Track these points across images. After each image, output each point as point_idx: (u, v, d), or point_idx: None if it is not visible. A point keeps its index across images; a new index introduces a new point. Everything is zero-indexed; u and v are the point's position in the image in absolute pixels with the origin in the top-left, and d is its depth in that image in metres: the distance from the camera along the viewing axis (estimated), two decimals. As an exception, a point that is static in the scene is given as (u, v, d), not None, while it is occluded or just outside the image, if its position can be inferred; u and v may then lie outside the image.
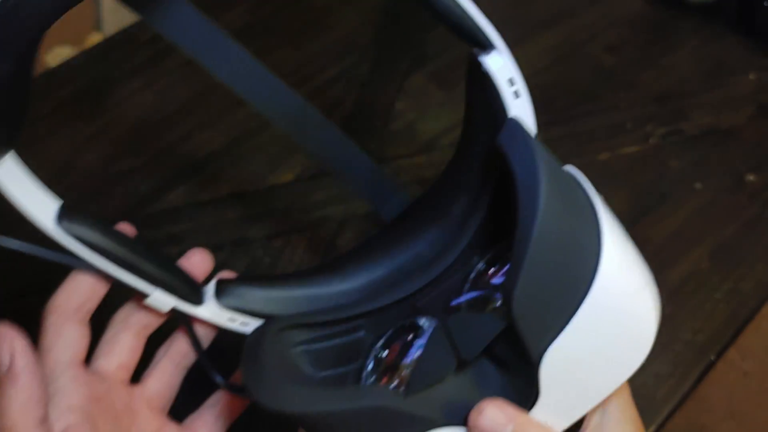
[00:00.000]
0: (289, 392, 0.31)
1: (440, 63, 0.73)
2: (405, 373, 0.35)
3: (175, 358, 0.38)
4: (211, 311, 0.35)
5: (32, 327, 0.57)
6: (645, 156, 0.66)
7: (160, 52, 0.73)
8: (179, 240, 0.60)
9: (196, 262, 0.37)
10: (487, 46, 0.35)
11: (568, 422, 0.34)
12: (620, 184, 0.64)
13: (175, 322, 0.37)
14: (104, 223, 0.33)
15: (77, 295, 0.35)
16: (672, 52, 0.74)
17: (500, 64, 0.35)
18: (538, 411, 0.33)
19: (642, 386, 0.53)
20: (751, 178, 0.65)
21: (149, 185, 0.64)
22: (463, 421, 0.32)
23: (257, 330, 0.35)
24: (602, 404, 0.35)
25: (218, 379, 0.36)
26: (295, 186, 0.64)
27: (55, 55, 0.74)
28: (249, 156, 0.66)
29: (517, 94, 0.36)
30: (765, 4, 0.72)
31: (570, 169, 0.34)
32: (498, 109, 0.35)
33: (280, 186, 0.63)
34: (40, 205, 0.33)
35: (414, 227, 0.39)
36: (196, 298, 0.35)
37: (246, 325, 0.36)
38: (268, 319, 0.36)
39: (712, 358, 0.56)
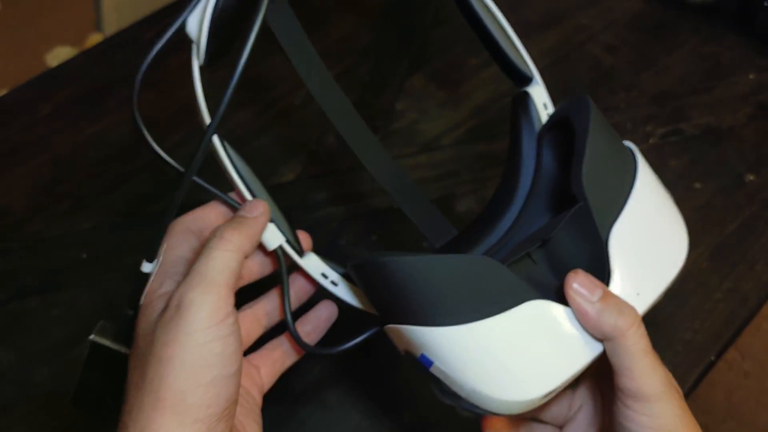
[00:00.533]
0: (402, 256, 0.35)
1: (440, 63, 0.73)
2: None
3: (258, 314, 0.42)
4: (310, 262, 0.41)
5: (32, 327, 0.57)
6: (645, 156, 0.65)
7: (161, 53, 0.73)
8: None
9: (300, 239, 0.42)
10: (531, 79, 0.45)
11: (644, 304, 0.37)
12: (620, 184, 0.64)
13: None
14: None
15: (202, 222, 0.40)
16: (671, 52, 0.74)
17: (538, 92, 0.46)
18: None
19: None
20: (750, 177, 0.65)
21: (150, 186, 0.64)
22: (555, 300, 0.36)
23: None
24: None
25: (298, 336, 0.40)
26: (296, 186, 0.64)
27: (55, 55, 0.74)
28: (250, 156, 0.65)
29: (548, 116, 0.45)
30: (765, 4, 0.72)
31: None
32: (537, 129, 0.45)
33: (281, 186, 0.64)
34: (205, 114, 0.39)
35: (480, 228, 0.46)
36: (300, 249, 0.41)
37: (336, 285, 0.42)
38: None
39: (712, 358, 0.56)
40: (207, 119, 0.39)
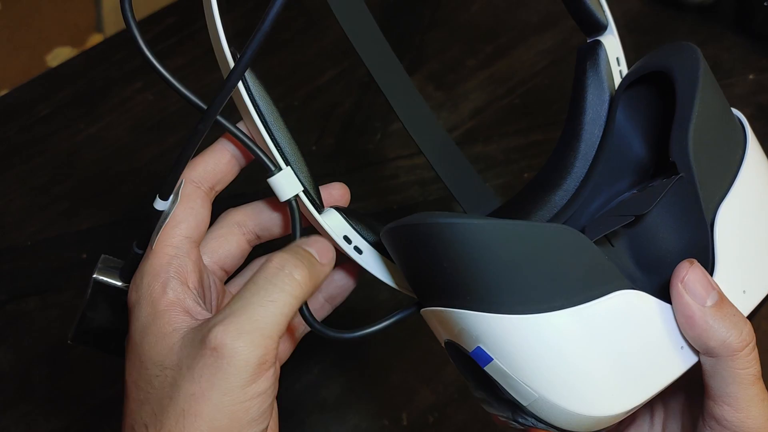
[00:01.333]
0: (460, 218, 0.28)
1: (438, 64, 0.73)
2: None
3: (293, 326, 0.36)
4: (331, 221, 0.33)
5: (32, 327, 0.57)
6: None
7: (161, 53, 0.73)
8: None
9: (336, 193, 0.36)
10: (605, 27, 0.38)
11: (749, 305, 0.31)
12: (618, 185, 0.64)
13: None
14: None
15: (215, 173, 0.34)
16: (670, 53, 0.74)
17: (613, 44, 0.38)
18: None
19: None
20: (749, 178, 0.65)
21: (149, 186, 0.64)
22: (653, 291, 0.29)
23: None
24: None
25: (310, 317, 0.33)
26: (295, 186, 0.64)
27: (55, 55, 0.74)
28: (248, 157, 0.66)
29: (621, 74, 0.38)
30: (765, 4, 0.72)
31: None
32: (607, 85, 0.38)
33: (280, 186, 0.64)
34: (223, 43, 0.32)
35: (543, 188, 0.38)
36: (320, 203, 0.33)
37: (360, 252, 0.34)
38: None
39: (710, 358, 0.56)
40: (229, 60, 0.32)
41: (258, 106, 0.32)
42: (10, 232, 0.61)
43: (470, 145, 0.67)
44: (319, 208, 0.33)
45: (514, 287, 0.27)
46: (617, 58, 0.38)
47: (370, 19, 0.41)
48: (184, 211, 0.32)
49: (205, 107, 0.32)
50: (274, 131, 0.33)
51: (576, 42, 0.76)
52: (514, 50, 0.73)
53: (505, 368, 0.28)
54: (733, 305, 0.29)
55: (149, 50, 0.32)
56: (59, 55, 0.74)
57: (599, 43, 0.38)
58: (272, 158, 0.33)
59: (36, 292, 0.58)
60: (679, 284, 0.28)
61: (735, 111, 0.34)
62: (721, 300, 0.29)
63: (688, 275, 0.28)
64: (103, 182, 0.64)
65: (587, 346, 0.28)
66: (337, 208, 0.34)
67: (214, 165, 0.34)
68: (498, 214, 0.38)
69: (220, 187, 0.35)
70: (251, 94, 0.32)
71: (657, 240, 0.32)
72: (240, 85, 0.32)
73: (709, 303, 0.28)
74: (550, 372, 0.28)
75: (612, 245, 0.32)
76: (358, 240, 0.33)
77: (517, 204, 0.38)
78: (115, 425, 0.36)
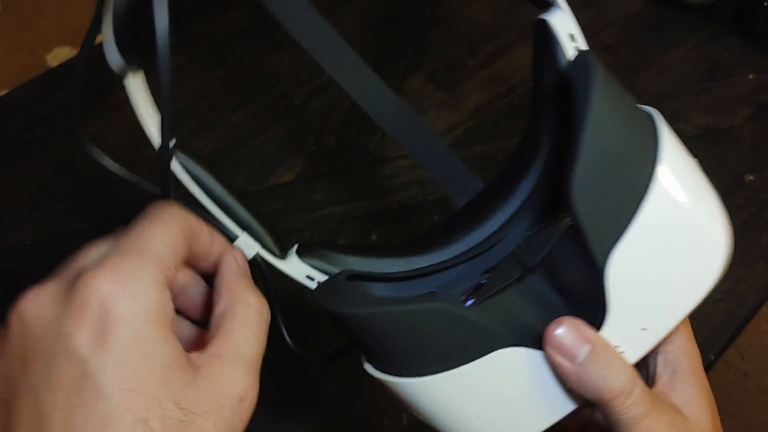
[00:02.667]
0: (357, 297, 0.33)
1: (439, 64, 0.73)
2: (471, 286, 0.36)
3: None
4: (292, 266, 0.36)
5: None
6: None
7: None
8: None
9: None
10: (550, 3, 0.35)
11: (640, 352, 0.31)
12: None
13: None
14: (206, 163, 0.34)
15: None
16: (670, 53, 0.74)
17: (561, 20, 0.34)
18: (607, 333, 0.31)
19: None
20: (749, 178, 0.65)
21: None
22: (533, 343, 0.31)
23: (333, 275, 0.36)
24: (671, 363, 0.34)
25: (289, 341, 0.37)
26: (295, 186, 0.64)
27: (55, 55, 0.74)
28: (249, 156, 0.66)
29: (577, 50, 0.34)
30: (765, 4, 0.72)
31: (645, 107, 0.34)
32: (562, 64, 0.34)
33: (280, 186, 0.64)
34: (153, 128, 0.34)
35: (484, 206, 0.39)
36: (280, 251, 0.36)
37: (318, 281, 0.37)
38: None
39: (711, 358, 0.56)
40: (156, 139, 0.34)
41: (203, 185, 0.34)
42: (10, 232, 0.61)
43: (470, 145, 0.67)
44: (279, 256, 0.36)
45: (407, 356, 0.32)
46: (570, 35, 0.34)
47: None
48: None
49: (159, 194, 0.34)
50: (223, 202, 0.34)
51: (576, 42, 0.76)
52: (514, 50, 0.73)
53: (415, 413, 0.34)
54: (610, 353, 0.30)
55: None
56: (59, 55, 0.74)
57: (544, 21, 0.35)
58: (227, 229, 0.34)
59: (36, 292, 0.58)
60: (548, 347, 0.30)
61: (648, 110, 0.33)
62: (594, 352, 0.30)
63: (556, 335, 0.30)
64: (102, 182, 0.64)
65: (470, 398, 0.32)
66: (299, 251, 0.36)
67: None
68: (471, 208, 0.40)
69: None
70: (193, 175, 0.34)
71: (566, 276, 0.33)
72: (181, 173, 0.34)
73: (580, 359, 0.30)
74: (440, 421, 0.33)
75: (532, 272, 0.34)
76: (319, 276, 0.36)
77: (487, 199, 0.39)
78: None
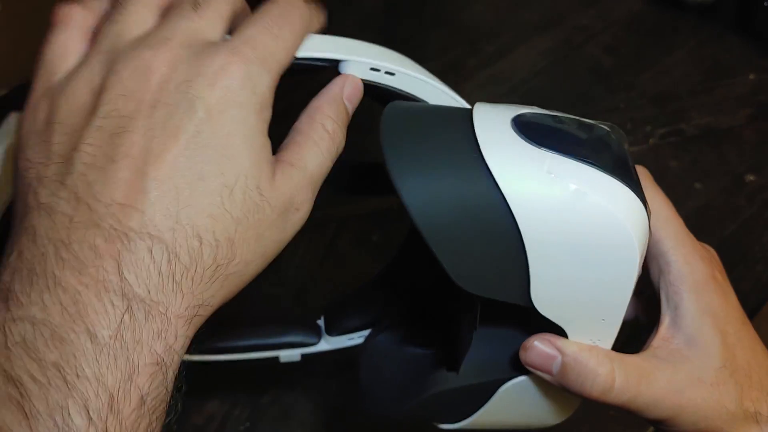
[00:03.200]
0: (390, 403, 0.40)
1: (439, 64, 0.73)
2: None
3: None
4: (331, 343, 0.43)
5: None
6: (645, 156, 0.66)
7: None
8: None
9: None
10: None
11: (611, 338, 0.33)
12: (619, 185, 0.64)
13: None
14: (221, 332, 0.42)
15: None
16: (671, 53, 0.74)
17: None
18: (575, 338, 0.32)
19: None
20: (750, 178, 0.65)
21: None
22: (517, 370, 0.35)
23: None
24: (673, 297, 0.34)
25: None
26: (295, 186, 0.64)
27: (56, 55, 0.74)
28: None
29: (390, 73, 0.35)
30: (765, 4, 0.72)
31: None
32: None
33: (280, 186, 0.63)
34: None
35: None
36: (315, 339, 0.43)
37: (362, 337, 0.43)
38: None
39: (711, 358, 0.56)
40: None
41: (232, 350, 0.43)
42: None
43: (471, 145, 0.67)
44: (317, 341, 0.44)
45: (430, 415, 0.38)
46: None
47: None
48: None
49: None
50: (258, 346, 0.43)
51: (577, 42, 0.76)
52: (515, 50, 0.73)
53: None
54: (582, 359, 0.32)
55: None
56: (59, 55, 0.74)
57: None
58: None
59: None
60: (528, 368, 0.33)
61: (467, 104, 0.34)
62: (564, 366, 0.32)
63: (528, 357, 0.33)
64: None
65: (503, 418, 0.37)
66: (327, 326, 0.44)
67: None
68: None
69: None
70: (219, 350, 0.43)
71: (522, 332, 0.34)
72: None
73: (555, 371, 0.32)
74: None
75: (476, 328, 0.35)
76: (355, 336, 0.44)
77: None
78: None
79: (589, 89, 0.71)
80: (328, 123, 0.32)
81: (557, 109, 0.33)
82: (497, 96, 0.70)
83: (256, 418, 0.51)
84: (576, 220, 0.28)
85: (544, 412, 0.36)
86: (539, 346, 0.32)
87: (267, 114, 0.29)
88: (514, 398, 0.36)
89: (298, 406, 0.52)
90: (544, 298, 0.30)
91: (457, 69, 0.72)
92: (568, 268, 0.29)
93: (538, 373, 0.33)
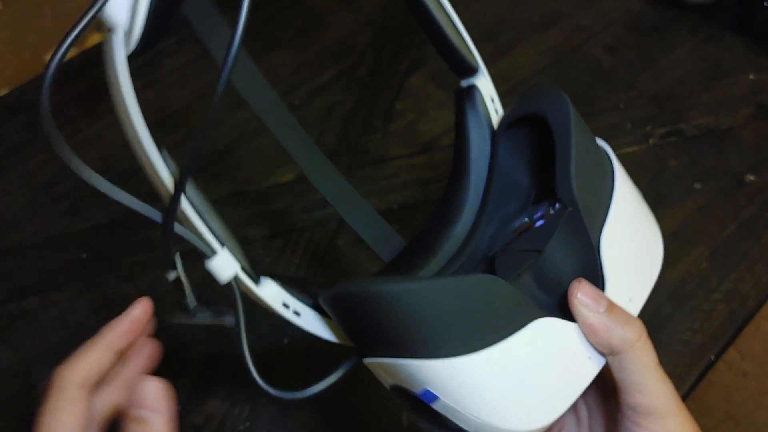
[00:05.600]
0: (396, 279, 0.32)
1: (439, 63, 0.73)
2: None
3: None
4: (269, 292, 0.35)
5: (32, 326, 0.57)
6: (644, 156, 0.66)
7: (160, 53, 0.73)
8: (180, 239, 0.60)
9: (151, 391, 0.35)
10: (476, 70, 0.42)
11: (636, 309, 0.36)
12: (619, 185, 0.64)
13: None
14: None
15: (99, 371, 0.34)
16: (670, 53, 0.74)
17: (485, 85, 0.42)
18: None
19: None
20: (750, 178, 0.65)
21: (149, 185, 0.64)
22: (558, 310, 0.34)
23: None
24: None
25: (257, 377, 0.36)
26: (295, 186, 0.64)
27: (55, 55, 0.74)
28: (249, 156, 0.66)
29: (497, 112, 0.42)
30: (765, 4, 0.72)
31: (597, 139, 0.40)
32: (486, 124, 0.42)
33: (280, 186, 0.63)
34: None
35: (444, 223, 0.42)
36: (255, 275, 0.35)
37: (298, 315, 0.36)
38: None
39: (712, 358, 0.56)
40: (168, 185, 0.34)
41: (193, 204, 0.34)
42: (10, 232, 0.61)
43: (471, 145, 0.67)
44: (256, 281, 0.35)
45: (449, 335, 0.31)
46: (491, 97, 0.42)
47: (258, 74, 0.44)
48: (68, 417, 0.32)
49: (158, 221, 0.35)
50: (204, 217, 0.34)
51: (577, 42, 0.76)
52: (515, 49, 0.73)
53: (450, 403, 0.32)
54: (622, 308, 0.34)
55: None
56: (59, 55, 0.74)
57: (474, 86, 0.42)
58: (208, 244, 0.34)
59: (36, 292, 0.58)
60: (575, 300, 0.34)
61: (600, 141, 0.39)
62: (611, 305, 0.34)
63: (580, 292, 0.34)
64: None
65: (515, 373, 0.32)
66: (273, 278, 0.36)
67: (99, 364, 0.34)
68: (409, 252, 0.42)
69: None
70: (188, 197, 0.35)
71: (555, 265, 0.36)
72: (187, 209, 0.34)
73: (602, 310, 0.33)
74: (487, 401, 0.32)
75: (518, 275, 0.36)
76: (295, 304, 0.36)
77: (424, 241, 0.42)
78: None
79: (589, 89, 0.71)
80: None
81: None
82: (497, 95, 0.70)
83: (256, 418, 0.51)
84: None
85: (529, 404, 0.33)
86: (591, 284, 0.34)
87: None
88: (539, 343, 0.32)
89: (298, 406, 0.52)
90: (607, 243, 0.35)
91: (457, 69, 0.72)
92: (626, 233, 0.36)
93: (584, 309, 0.33)
